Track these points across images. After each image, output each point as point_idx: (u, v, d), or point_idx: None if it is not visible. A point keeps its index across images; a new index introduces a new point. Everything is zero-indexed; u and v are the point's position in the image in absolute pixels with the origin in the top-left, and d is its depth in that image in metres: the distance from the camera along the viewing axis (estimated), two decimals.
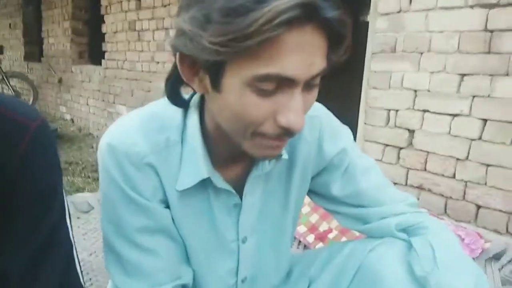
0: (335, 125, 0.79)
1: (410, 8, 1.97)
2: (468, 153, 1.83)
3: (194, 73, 0.55)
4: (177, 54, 0.54)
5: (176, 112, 0.65)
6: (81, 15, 5.38)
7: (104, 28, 4.59)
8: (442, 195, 1.94)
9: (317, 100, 0.62)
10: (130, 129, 0.64)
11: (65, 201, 0.55)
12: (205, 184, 0.65)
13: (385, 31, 2.07)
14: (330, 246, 0.88)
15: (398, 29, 2.02)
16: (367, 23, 2.19)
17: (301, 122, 0.52)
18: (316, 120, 0.75)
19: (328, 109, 0.80)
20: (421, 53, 1.95)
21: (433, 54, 1.91)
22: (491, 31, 1.72)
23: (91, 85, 5.01)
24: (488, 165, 1.77)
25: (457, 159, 1.87)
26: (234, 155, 0.66)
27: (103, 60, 4.69)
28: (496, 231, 1.77)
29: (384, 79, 2.11)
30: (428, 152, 1.98)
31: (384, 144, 2.16)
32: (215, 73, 0.51)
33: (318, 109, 0.77)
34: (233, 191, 0.68)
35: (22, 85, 6.57)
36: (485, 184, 1.78)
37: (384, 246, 0.74)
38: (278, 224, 0.78)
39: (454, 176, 1.89)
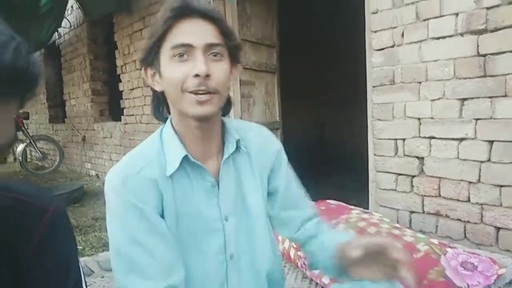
0: (271, 136, 1.03)
1: (403, 41, 2.05)
2: (479, 175, 1.84)
3: (154, 79, 0.85)
4: (143, 69, 0.87)
5: (154, 135, 0.90)
6: (99, 76, 5.70)
7: (121, 86, 4.85)
8: (460, 220, 1.93)
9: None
10: (123, 161, 0.86)
11: (81, 269, 0.62)
12: (185, 167, 0.84)
13: (381, 65, 2.15)
14: None
15: (394, 62, 2.09)
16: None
17: (203, 68, 0.77)
18: (262, 131, 1.00)
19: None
20: (420, 83, 2.01)
21: (431, 83, 1.96)
22: (484, 56, 1.77)
23: (113, 140, 5.22)
24: (501, 186, 1.77)
25: (470, 182, 1.88)
26: (202, 146, 0.87)
27: (122, 116, 4.91)
28: None
29: (387, 110, 2.16)
30: (440, 178, 1.99)
31: (396, 173, 2.18)
32: (158, 66, 0.82)
33: (262, 127, 1.02)
34: (206, 169, 0.86)
35: (48, 146, 6.90)
36: (501, 205, 1.78)
37: None
38: (250, 209, 0.93)
39: (469, 200, 1.89)
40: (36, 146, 6.22)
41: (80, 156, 6.30)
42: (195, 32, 0.79)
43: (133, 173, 0.81)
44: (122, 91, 4.83)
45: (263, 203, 0.95)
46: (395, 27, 2.08)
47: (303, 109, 7.00)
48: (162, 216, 0.83)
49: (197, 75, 0.77)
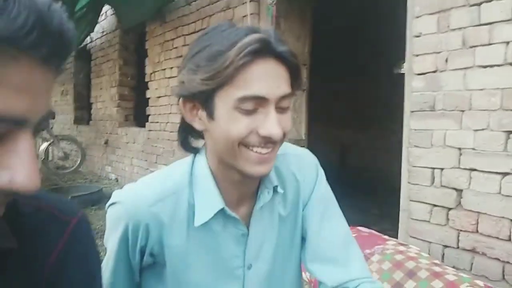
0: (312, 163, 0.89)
1: (447, 68, 1.97)
2: None
3: (194, 113, 0.71)
4: (180, 100, 0.70)
5: (185, 167, 0.77)
6: (128, 82, 5.76)
7: (148, 94, 4.88)
8: (499, 260, 1.81)
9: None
10: (140, 186, 0.77)
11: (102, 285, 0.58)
12: (216, 217, 0.74)
13: (422, 90, 2.07)
14: None
15: (436, 88, 2.01)
16: (403, 75, 2.21)
17: (278, 130, 0.65)
18: (311, 161, 0.88)
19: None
20: (462, 111, 1.92)
21: (475, 112, 1.87)
22: None
23: (136, 146, 5.24)
24: None
25: (511, 220, 1.77)
26: (238, 193, 0.77)
27: (147, 123, 4.93)
28: None
29: (426, 137, 2.07)
30: (479, 213, 1.88)
31: (431, 204, 2.07)
32: (209, 106, 0.66)
33: (310, 155, 0.89)
34: (240, 220, 0.76)
35: (71, 146, 6.98)
36: None
37: None
38: (282, 254, 0.84)
39: (509, 239, 1.77)
40: (59, 145, 6.30)
41: (101, 159, 6.35)
42: (269, 81, 0.64)
43: (143, 205, 0.72)
44: (149, 98, 4.86)
45: (296, 248, 0.86)
46: (439, 52, 2.00)
47: (325, 131, 6.92)
48: (153, 256, 0.75)
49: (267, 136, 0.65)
